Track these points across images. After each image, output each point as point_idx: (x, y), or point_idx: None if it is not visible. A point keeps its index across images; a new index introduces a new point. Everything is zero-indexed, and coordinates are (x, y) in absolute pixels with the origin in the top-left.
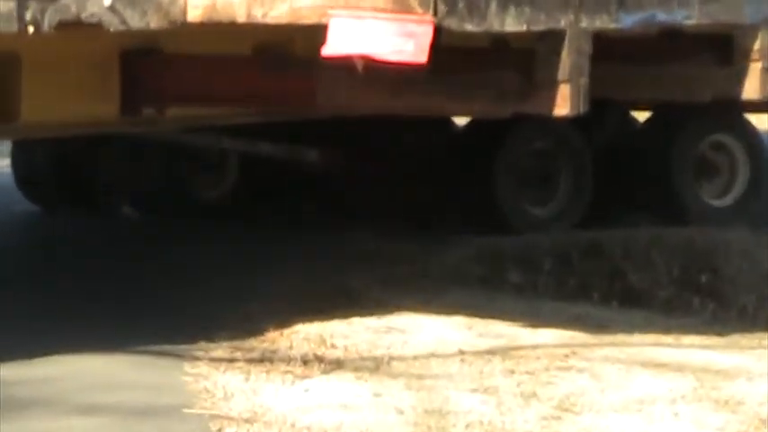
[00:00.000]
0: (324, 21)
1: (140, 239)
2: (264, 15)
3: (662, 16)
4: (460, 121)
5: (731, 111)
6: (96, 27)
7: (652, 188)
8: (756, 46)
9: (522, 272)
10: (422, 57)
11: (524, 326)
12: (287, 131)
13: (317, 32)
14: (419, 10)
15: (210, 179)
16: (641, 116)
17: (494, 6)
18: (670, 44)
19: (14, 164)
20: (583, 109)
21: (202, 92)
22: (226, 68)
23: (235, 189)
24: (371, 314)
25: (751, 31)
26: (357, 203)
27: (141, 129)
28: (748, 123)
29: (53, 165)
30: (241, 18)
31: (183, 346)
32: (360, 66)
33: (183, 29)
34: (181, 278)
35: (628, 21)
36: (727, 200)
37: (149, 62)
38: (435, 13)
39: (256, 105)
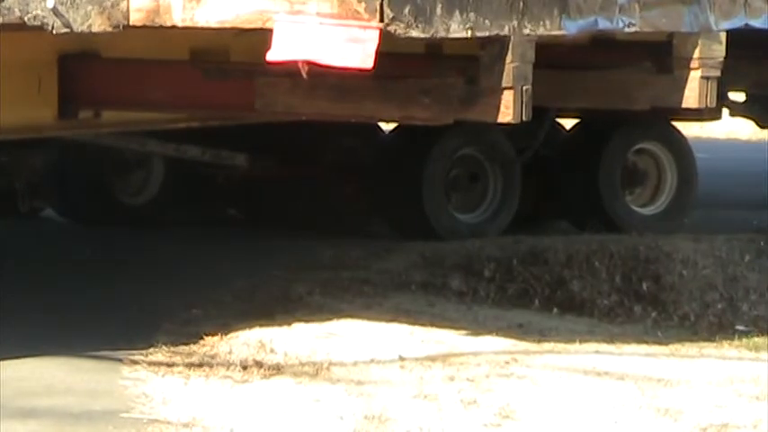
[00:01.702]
0: (267, 26)
1: (66, 244)
2: (205, 19)
3: (604, 23)
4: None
5: (659, 119)
6: (38, 29)
7: (579, 195)
8: (696, 54)
9: (464, 278)
10: (368, 62)
11: (465, 332)
12: (215, 135)
13: (255, 38)
14: (365, 15)
15: (135, 183)
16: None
17: (439, 12)
18: (608, 52)
19: None
20: (526, 116)
21: (139, 96)
22: (163, 73)
23: (160, 194)
24: (312, 320)
25: (690, 39)
26: (285, 208)
27: (77, 132)
28: (676, 131)
29: None
30: (182, 22)
31: (121, 350)
32: (304, 71)
33: (123, 33)
34: (116, 283)
35: (571, 27)
36: (655, 207)
37: (87, 66)
38: (381, 19)
39: (194, 110)
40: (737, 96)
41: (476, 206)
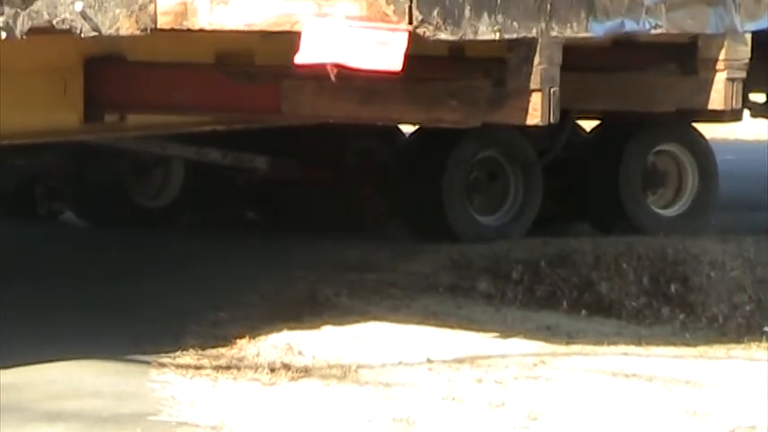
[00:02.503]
0: (295, 29)
1: (88, 247)
2: (232, 22)
3: (631, 25)
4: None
5: (679, 120)
6: (66, 33)
7: (600, 198)
8: (721, 56)
9: (492, 281)
10: (397, 65)
11: (493, 335)
12: (235, 137)
13: (281, 40)
14: (394, 18)
15: (155, 186)
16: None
17: (467, 15)
18: (632, 53)
19: None
20: (554, 118)
21: (165, 100)
22: (189, 76)
23: (179, 197)
24: (340, 322)
25: (716, 40)
26: (304, 211)
27: (103, 136)
28: (697, 133)
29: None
30: (209, 25)
31: (148, 353)
32: (333, 74)
33: (148, 36)
34: (141, 285)
35: (598, 29)
36: (677, 209)
37: (112, 69)
38: (410, 21)
39: (220, 114)
40: (758, 98)
41: (497, 208)
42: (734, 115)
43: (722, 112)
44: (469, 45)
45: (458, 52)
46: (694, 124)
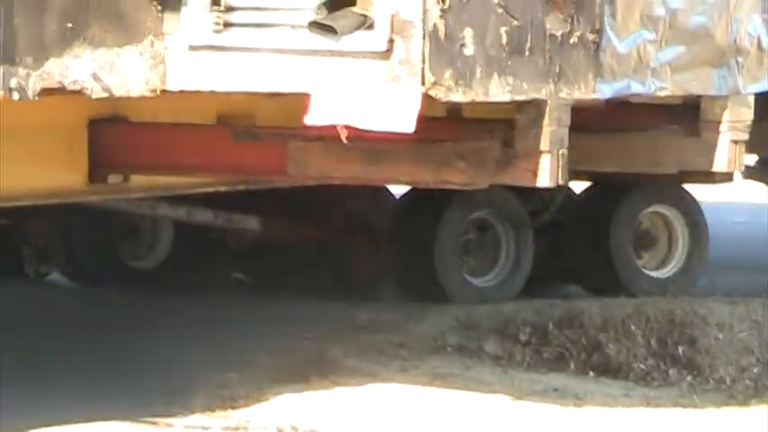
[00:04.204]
0: (304, 90)
1: (83, 308)
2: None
3: (637, 86)
4: None
5: (671, 182)
6: (77, 94)
7: (591, 259)
8: (724, 118)
9: (500, 342)
10: (409, 126)
11: (501, 396)
12: (225, 198)
13: (286, 100)
14: (406, 79)
15: (144, 247)
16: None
17: (479, 76)
18: (634, 114)
19: None
20: (563, 180)
21: (169, 160)
22: (193, 137)
23: (168, 257)
24: (347, 383)
25: (719, 102)
26: (295, 272)
27: (107, 197)
28: (688, 194)
29: None
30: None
31: (156, 414)
32: (344, 136)
33: (151, 96)
34: (144, 345)
35: (605, 91)
36: (666, 270)
37: (116, 130)
38: (423, 83)
39: (224, 174)
40: (749, 159)
41: (489, 270)
42: (726, 177)
43: (714, 173)
44: (468, 105)
45: (455, 113)
46: (685, 185)
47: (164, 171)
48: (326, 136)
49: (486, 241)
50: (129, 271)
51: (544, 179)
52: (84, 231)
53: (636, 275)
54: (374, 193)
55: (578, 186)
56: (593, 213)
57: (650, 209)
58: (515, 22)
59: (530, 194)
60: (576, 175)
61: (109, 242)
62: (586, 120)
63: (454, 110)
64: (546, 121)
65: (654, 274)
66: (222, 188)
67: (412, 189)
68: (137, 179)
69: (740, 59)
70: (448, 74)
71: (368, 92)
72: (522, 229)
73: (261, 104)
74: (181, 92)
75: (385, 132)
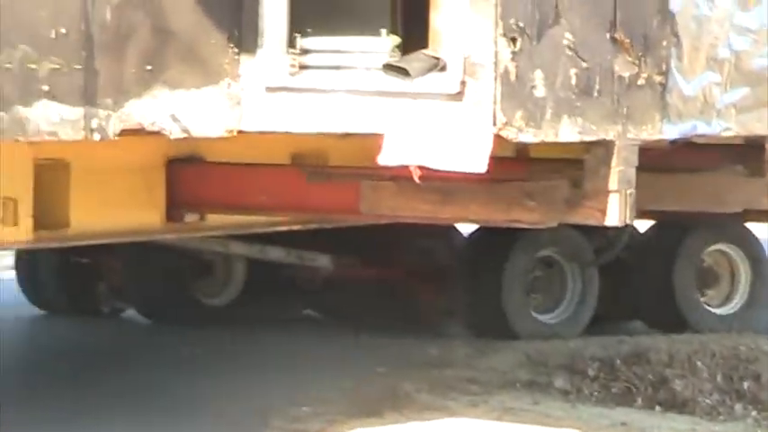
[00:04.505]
0: (377, 130)
1: (157, 345)
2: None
3: (703, 127)
4: None
5: (733, 220)
6: (156, 134)
7: (655, 296)
8: None
9: (568, 377)
10: (482, 166)
11: (570, 431)
12: (297, 236)
13: (358, 141)
14: (478, 120)
15: (216, 284)
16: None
17: (548, 117)
18: (700, 155)
19: (18, 268)
20: (630, 219)
21: (244, 200)
22: (267, 177)
23: (240, 294)
24: (420, 418)
25: None
26: (365, 309)
27: (183, 236)
28: (750, 233)
29: (56, 269)
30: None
31: None
32: (416, 175)
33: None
34: (218, 381)
35: (671, 132)
36: (729, 308)
37: (192, 170)
38: (494, 123)
39: (299, 214)
40: None
41: (555, 306)
42: None
43: None
44: (536, 145)
45: (524, 152)
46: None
47: (239, 210)
48: (399, 176)
49: (553, 279)
50: (202, 308)
51: (612, 218)
52: (158, 269)
53: (699, 312)
54: (443, 231)
55: (642, 225)
56: (657, 251)
57: (713, 247)
58: (584, 65)
59: (595, 233)
60: (640, 213)
61: (183, 279)
62: (651, 159)
63: (522, 149)
64: (614, 161)
65: (717, 310)
66: (295, 227)
67: (480, 227)
68: (212, 218)
69: None
70: (519, 115)
71: (440, 132)
72: (588, 266)
73: (334, 144)
74: (256, 132)
75: (457, 172)
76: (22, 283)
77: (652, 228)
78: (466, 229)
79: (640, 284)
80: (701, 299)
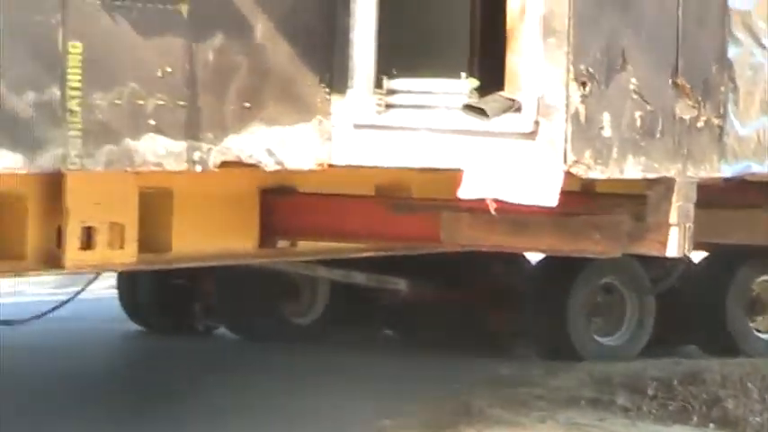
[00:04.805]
0: (456, 166)
1: (250, 361)
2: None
3: (756, 167)
4: None
5: None
6: (253, 167)
7: (708, 322)
8: None
9: (629, 396)
10: (552, 201)
11: None
12: (377, 261)
13: (438, 174)
14: (550, 158)
15: (303, 304)
16: None
17: (615, 156)
18: (755, 192)
19: (120, 287)
20: (688, 251)
21: (332, 228)
22: (354, 207)
23: (324, 314)
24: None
25: None
26: (439, 330)
27: (275, 260)
28: None
29: (155, 289)
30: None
31: None
32: (492, 208)
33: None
34: (307, 395)
35: (727, 171)
36: None
37: (284, 200)
38: (565, 161)
39: (382, 241)
40: None
41: (615, 330)
42: None
43: None
44: (601, 181)
45: (589, 188)
46: None
47: (327, 238)
48: (476, 208)
49: (613, 304)
50: (289, 326)
51: (672, 250)
52: (250, 290)
53: (749, 338)
54: (513, 258)
55: (697, 256)
56: (710, 281)
57: (762, 277)
58: (648, 107)
59: (653, 262)
60: (695, 245)
61: (272, 300)
62: (707, 195)
63: (589, 185)
64: (675, 197)
65: (765, 336)
66: (376, 253)
67: (546, 256)
68: (302, 244)
69: None
70: (587, 153)
71: (515, 168)
72: (645, 294)
73: (415, 178)
74: (344, 165)
75: (529, 205)
76: (124, 302)
77: (706, 259)
78: (534, 257)
79: (694, 311)
80: (751, 325)
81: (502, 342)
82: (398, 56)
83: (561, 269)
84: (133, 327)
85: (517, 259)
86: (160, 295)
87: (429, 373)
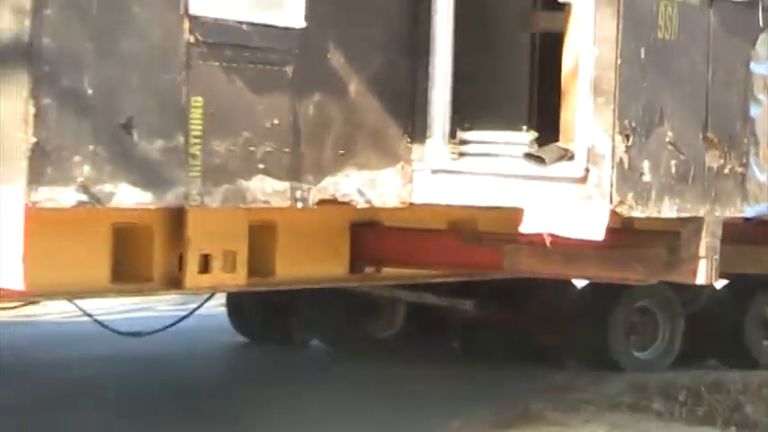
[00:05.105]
0: (518, 205)
1: (339, 371)
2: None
3: None
4: None
5: None
6: (345, 204)
7: (728, 339)
8: None
9: (663, 401)
10: (599, 235)
11: None
12: (447, 285)
13: (503, 213)
14: (598, 199)
15: (384, 321)
16: None
17: (653, 198)
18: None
19: (228, 304)
20: (715, 279)
21: (411, 257)
22: (430, 239)
23: (401, 329)
24: (547, 431)
25: None
26: (499, 345)
27: (363, 284)
28: None
29: (258, 305)
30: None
31: None
32: (548, 241)
33: (404, 208)
34: (388, 398)
35: (750, 212)
36: None
37: (371, 232)
38: (611, 201)
39: (454, 269)
40: None
41: (649, 346)
42: None
43: None
44: (640, 220)
45: (629, 224)
46: None
47: (407, 265)
48: (534, 241)
49: (647, 324)
50: (372, 340)
51: (701, 278)
52: (340, 308)
53: (764, 352)
54: (562, 284)
55: (720, 283)
56: (731, 304)
57: None
58: (682, 157)
59: (682, 288)
60: (720, 274)
61: (358, 317)
62: (731, 233)
63: (629, 222)
64: (704, 233)
65: None
66: (448, 278)
67: (591, 282)
68: (385, 270)
69: None
70: (630, 195)
71: (567, 208)
72: (676, 315)
73: (482, 215)
74: (422, 204)
75: (579, 240)
76: (231, 317)
77: (727, 286)
78: (580, 283)
79: (717, 330)
80: (765, 342)
81: (553, 355)
82: (469, 111)
83: (603, 293)
84: (239, 338)
85: (566, 285)
86: (262, 312)
87: (492, 381)
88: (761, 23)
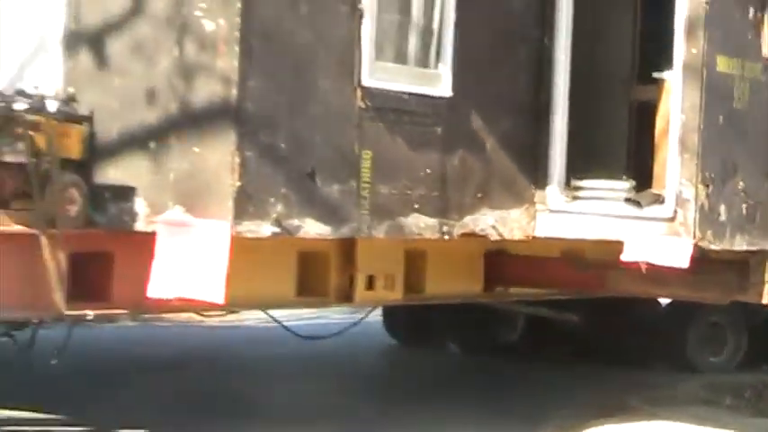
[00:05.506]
0: (619, 238)
1: (468, 366)
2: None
3: None
4: None
5: None
6: (482, 237)
7: None
8: None
9: (732, 398)
10: (685, 264)
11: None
12: (557, 301)
13: (607, 244)
14: (684, 235)
15: (508, 328)
16: None
17: (728, 234)
18: None
19: (384, 315)
20: None
21: (532, 279)
22: (547, 265)
23: (522, 336)
24: (639, 420)
25: None
26: (600, 351)
27: (494, 299)
28: None
29: (406, 315)
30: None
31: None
32: (644, 267)
33: (528, 240)
34: (515, 390)
35: None
36: None
37: (501, 258)
38: (694, 237)
39: (564, 289)
40: None
41: (719, 353)
42: None
43: None
44: (715, 251)
45: (706, 254)
46: None
47: (529, 286)
48: (632, 267)
49: (719, 334)
50: (497, 344)
51: (766, 299)
52: (473, 318)
53: None
54: (651, 302)
55: None
56: None
57: None
58: (751, 201)
59: (747, 306)
60: None
61: (487, 326)
62: None
63: (706, 253)
64: None
65: None
66: (560, 296)
67: (674, 300)
68: (513, 289)
69: None
70: (709, 232)
71: (659, 242)
72: (741, 328)
73: (590, 245)
74: (543, 237)
75: (669, 267)
76: (386, 324)
77: None
78: (664, 301)
79: None
80: None
81: (643, 359)
82: (581, 163)
83: (684, 310)
84: (392, 341)
85: (654, 303)
86: (410, 321)
87: (593, 379)
88: None
